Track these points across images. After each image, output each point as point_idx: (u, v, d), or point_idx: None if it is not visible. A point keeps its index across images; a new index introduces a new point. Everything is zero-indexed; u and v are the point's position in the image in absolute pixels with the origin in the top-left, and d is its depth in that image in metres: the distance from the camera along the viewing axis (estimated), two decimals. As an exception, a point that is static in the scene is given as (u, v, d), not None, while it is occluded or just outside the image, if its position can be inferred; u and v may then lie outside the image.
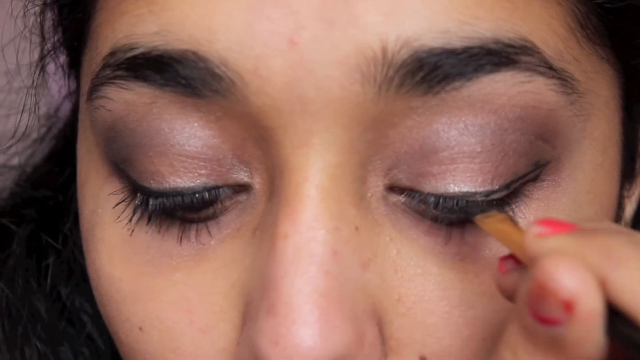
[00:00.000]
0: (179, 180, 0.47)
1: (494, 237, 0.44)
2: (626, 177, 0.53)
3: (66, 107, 0.66)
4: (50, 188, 0.65)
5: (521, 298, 0.39)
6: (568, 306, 0.37)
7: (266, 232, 0.45)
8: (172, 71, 0.44)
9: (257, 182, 0.46)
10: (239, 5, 0.43)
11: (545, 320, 0.38)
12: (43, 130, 0.68)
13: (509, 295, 0.42)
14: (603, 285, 0.37)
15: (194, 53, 0.44)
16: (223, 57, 0.43)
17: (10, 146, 0.62)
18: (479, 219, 0.44)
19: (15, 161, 0.67)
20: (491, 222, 0.44)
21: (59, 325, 0.62)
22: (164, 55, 0.44)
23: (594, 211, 0.48)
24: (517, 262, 0.42)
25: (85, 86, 0.50)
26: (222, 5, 0.43)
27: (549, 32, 0.45)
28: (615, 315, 0.37)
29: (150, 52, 0.45)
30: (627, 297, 0.37)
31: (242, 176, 0.46)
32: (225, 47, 0.43)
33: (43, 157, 0.68)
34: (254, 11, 0.43)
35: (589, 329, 0.37)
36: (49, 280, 0.63)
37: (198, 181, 0.47)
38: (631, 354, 0.37)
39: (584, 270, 0.37)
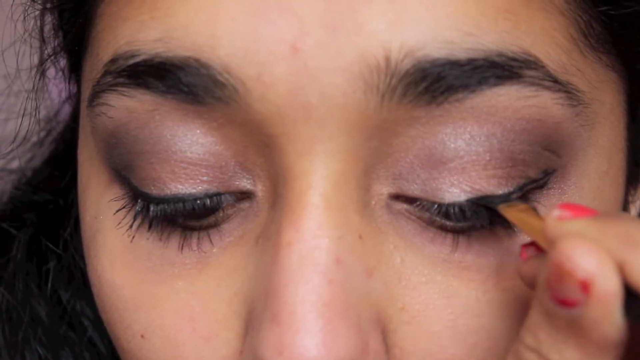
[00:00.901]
0: (180, 186, 0.46)
1: (516, 225, 0.44)
2: (630, 182, 0.53)
3: (66, 111, 0.66)
4: (51, 192, 0.65)
5: (541, 282, 0.39)
6: (585, 286, 0.38)
7: (269, 240, 0.45)
8: (174, 78, 0.44)
9: (260, 190, 0.46)
10: (243, 9, 0.43)
11: (563, 302, 0.38)
12: (43, 133, 0.67)
13: (530, 283, 0.43)
14: (621, 269, 0.38)
15: (197, 60, 0.43)
16: (226, 64, 0.43)
17: (11, 150, 0.62)
18: (502, 207, 0.45)
19: (14, 164, 0.67)
20: (513, 211, 0.44)
21: (60, 330, 0.62)
22: (166, 62, 0.44)
23: None
24: (538, 249, 0.43)
25: (86, 92, 0.50)
26: (225, 10, 0.43)
27: (552, 44, 0.45)
28: (634, 298, 0.38)
29: (152, 59, 0.44)
30: None
31: (245, 183, 0.46)
32: (229, 54, 0.43)
33: (43, 161, 0.67)
34: (258, 16, 0.43)
35: (607, 309, 0.38)
36: (49, 285, 0.62)
37: (200, 188, 0.46)
38: None
39: (601, 251, 0.38)
